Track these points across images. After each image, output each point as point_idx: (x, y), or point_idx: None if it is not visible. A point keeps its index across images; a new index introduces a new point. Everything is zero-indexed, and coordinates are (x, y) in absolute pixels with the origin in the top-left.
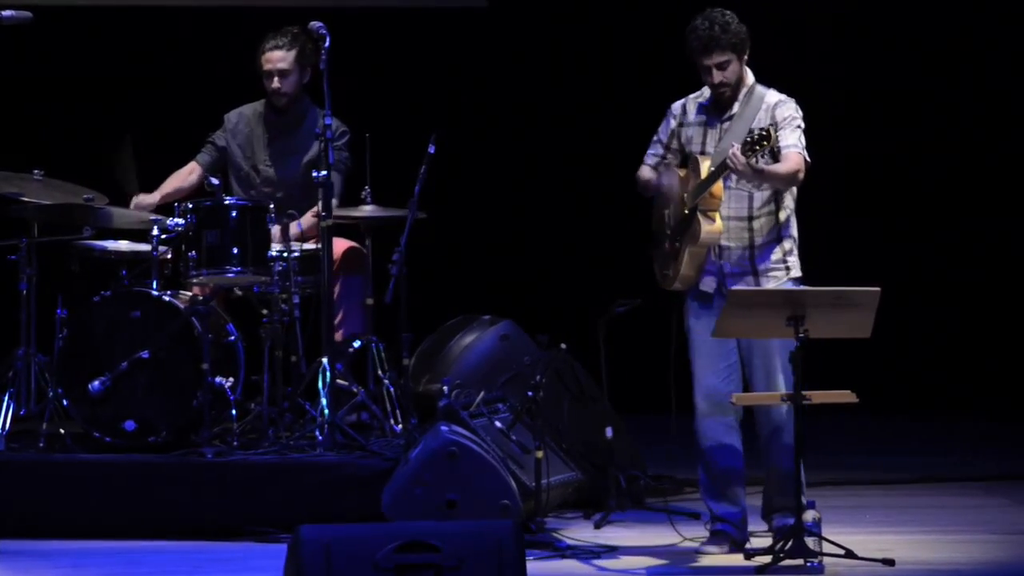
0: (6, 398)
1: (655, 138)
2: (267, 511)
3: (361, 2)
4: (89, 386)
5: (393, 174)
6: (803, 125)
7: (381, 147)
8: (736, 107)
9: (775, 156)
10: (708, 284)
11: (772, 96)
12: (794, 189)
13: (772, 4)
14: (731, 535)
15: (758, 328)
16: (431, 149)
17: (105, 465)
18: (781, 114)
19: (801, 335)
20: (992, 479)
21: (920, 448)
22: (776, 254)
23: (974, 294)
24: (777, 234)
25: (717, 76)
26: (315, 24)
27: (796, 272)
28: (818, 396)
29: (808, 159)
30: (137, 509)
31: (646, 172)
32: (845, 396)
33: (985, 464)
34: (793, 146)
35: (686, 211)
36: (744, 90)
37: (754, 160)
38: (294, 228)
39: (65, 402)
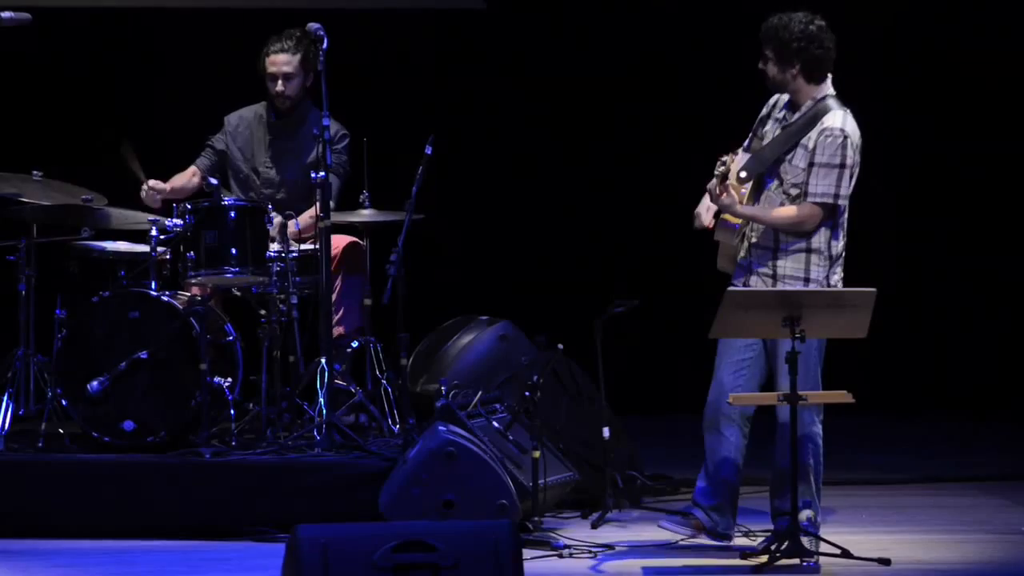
0: (5, 398)
1: (755, 125)
2: (265, 511)
3: (359, 4)
4: (88, 386)
5: (391, 175)
6: (847, 163)
7: (379, 148)
8: (797, 115)
9: (802, 187)
10: (738, 278)
11: (829, 118)
12: (842, 204)
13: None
14: (698, 518)
15: (755, 329)
16: (428, 151)
17: (104, 465)
18: (820, 148)
19: (797, 336)
20: (989, 479)
21: (917, 448)
22: (798, 263)
23: (974, 294)
24: (805, 243)
25: (761, 64)
26: (313, 26)
27: (817, 288)
28: (814, 396)
29: (840, 203)
30: (135, 509)
31: (738, 155)
32: (841, 396)
33: (982, 464)
34: (813, 194)
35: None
36: (810, 101)
37: (726, 197)
38: (292, 227)
39: (64, 402)
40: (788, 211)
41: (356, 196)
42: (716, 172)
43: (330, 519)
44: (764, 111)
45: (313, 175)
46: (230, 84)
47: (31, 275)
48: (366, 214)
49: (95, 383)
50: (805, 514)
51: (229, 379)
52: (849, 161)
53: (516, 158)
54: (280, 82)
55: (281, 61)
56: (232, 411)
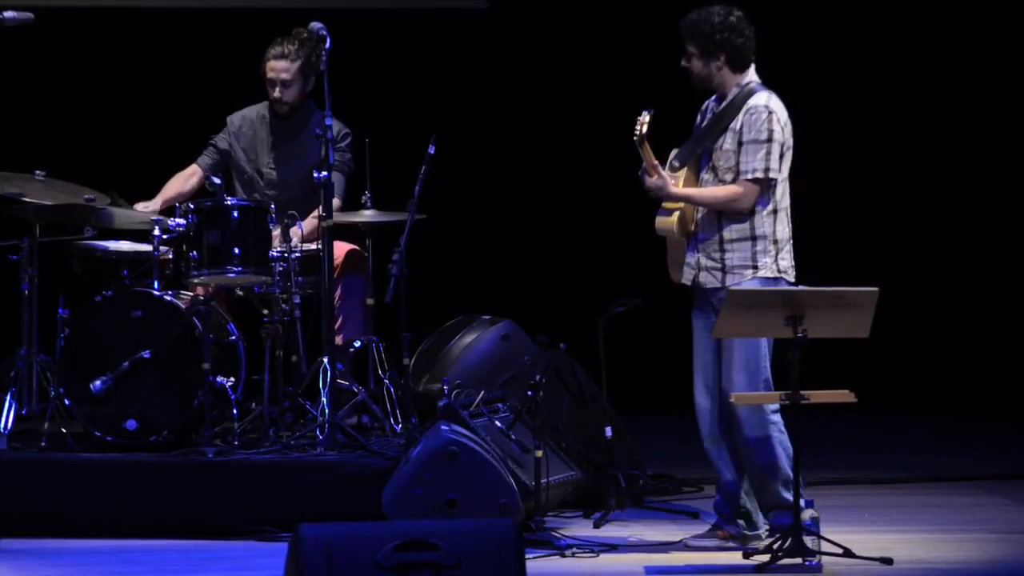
0: (8, 397)
1: None
2: (268, 510)
3: (361, 3)
4: (91, 385)
5: (393, 175)
6: (774, 138)
7: (381, 148)
8: (723, 104)
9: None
10: (686, 276)
11: (754, 99)
12: (780, 188)
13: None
14: (723, 527)
15: (757, 328)
16: (431, 150)
17: (106, 464)
18: (746, 127)
19: (800, 335)
20: (991, 478)
21: (919, 447)
22: (744, 251)
23: (974, 293)
24: (749, 231)
25: (684, 62)
26: (315, 25)
27: (767, 272)
28: (816, 396)
29: (772, 176)
30: (138, 508)
31: None
32: (843, 396)
33: (984, 464)
34: (743, 172)
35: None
36: (735, 89)
37: (655, 179)
38: (295, 230)
39: (67, 401)
40: (722, 190)
41: (358, 196)
42: (634, 136)
43: (333, 518)
44: (699, 117)
45: (316, 175)
46: (231, 84)
47: (34, 275)
48: (368, 214)
49: (98, 382)
50: (808, 513)
51: (232, 379)
52: (777, 136)
53: (518, 157)
54: (278, 88)
55: (279, 68)
56: (235, 410)
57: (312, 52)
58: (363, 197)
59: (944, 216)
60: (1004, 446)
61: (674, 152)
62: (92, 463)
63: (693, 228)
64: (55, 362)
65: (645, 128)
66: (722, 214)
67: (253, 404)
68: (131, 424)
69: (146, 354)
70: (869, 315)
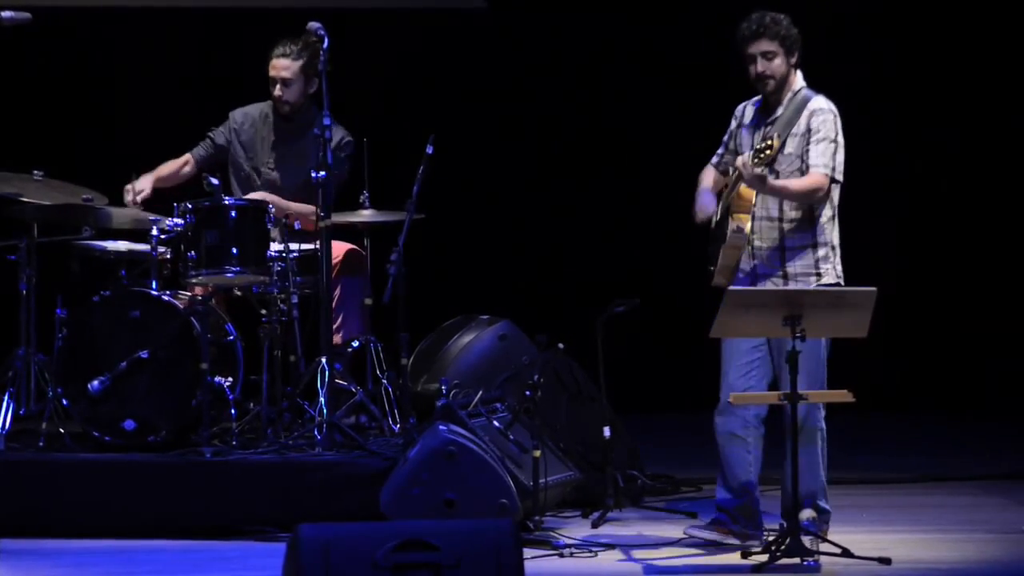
0: (6, 398)
1: (723, 138)
2: (266, 510)
3: (361, 3)
4: (89, 386)
5: (391, 175)
6: (839, 139)
7: (380, 148)
8: (780, 110)
9: (802, 171)
10: (741, 284)
11: (815, 102)
12: (835, 195)
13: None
14: (725, 523)
15: (756, 328)
16: (429, 150)
17: (105, 464)
18: (815, 127)
19: (798, 335)
20: (990, 478)
21: (918, 448)
22: (807, 259)
23: (973, 293)
24: (811, 239)
25: (761, 65)
26: (313, 25)
27: (829, 279)
28: (815, 396)
29: (838, 178)
30: (136, 508)
31: (705, 172)
32: (842, 396)
33: (983, 464)
34: (816, 166)
35: (721, 211)
36: (790, 93)
37: (760, 170)
38: (292, 207)
39: (65, 402)
40: (806, 180)
41: (356, 196)
42: (763, 154)
43: (331, 518)
44: (733, 124)
45: (314, 175)
46: (233, 85)
47: (32, 275)
48: (366, 214)
49: (96, 382)
50: (806, 513)
51: (230, 378)
52: (840, 139)
53: (517, 158)
54: (279, 87)
55: (281, 66)
56: (233, 410)
57: (315, 54)
58: (361, 197)
59: (943, 216)
60: (1003, 446)
61: (752, 157)
62: (90, 463)
63: (755, 237)
64: (53, 362)
65: (772, 152)
66: (783, 220)
67: (251, 404)
68: (129, 424)
69: (144, 354)
70: (867, 315)
